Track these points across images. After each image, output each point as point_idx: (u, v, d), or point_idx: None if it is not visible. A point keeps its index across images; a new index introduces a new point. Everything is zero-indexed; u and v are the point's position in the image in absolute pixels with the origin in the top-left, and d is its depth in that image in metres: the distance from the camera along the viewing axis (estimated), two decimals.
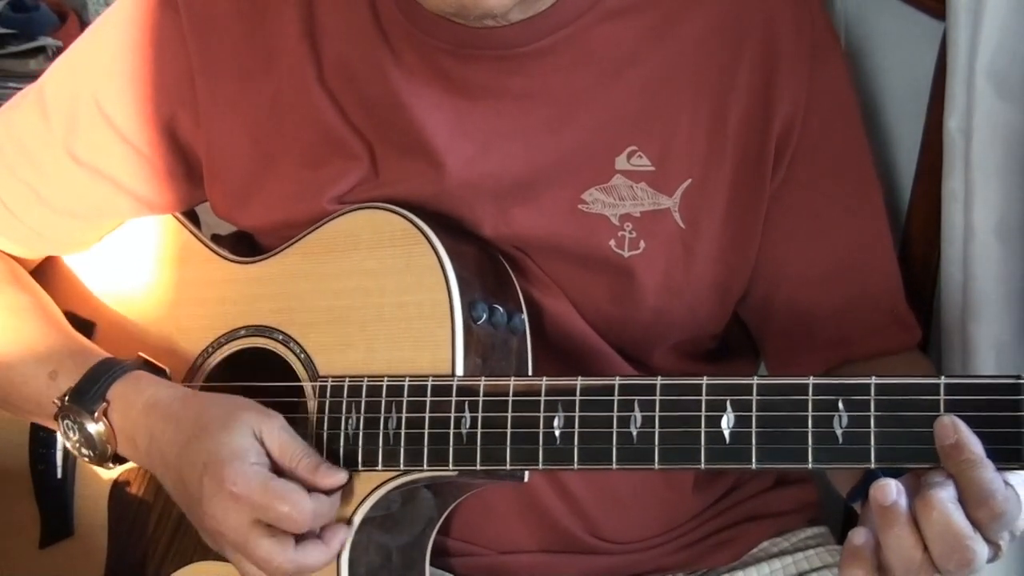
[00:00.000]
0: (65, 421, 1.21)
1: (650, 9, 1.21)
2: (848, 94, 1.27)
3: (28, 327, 1.30)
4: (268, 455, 1.12)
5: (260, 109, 1.24)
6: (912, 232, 1.39)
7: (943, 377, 0.94)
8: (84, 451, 1.21)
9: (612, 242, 1.21)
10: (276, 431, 1.13)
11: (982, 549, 0.94)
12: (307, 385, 1.19)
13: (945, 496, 0.94)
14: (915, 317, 1.31)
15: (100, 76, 1.29)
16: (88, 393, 1.20)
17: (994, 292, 1.25)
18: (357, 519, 1.15)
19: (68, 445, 1.22)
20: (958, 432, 0.94)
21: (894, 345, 1.29)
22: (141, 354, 1.26)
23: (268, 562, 1.09)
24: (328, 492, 1.12)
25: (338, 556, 1.14)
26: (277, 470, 1.12)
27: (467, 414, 1.10)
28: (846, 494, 1.16)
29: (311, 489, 1.11)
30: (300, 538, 1.11)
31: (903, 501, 0.95)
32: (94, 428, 1.19)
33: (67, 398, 1.20)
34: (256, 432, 1.12)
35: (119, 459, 1.22)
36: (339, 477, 1.13)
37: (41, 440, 1.35)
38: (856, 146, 1.28)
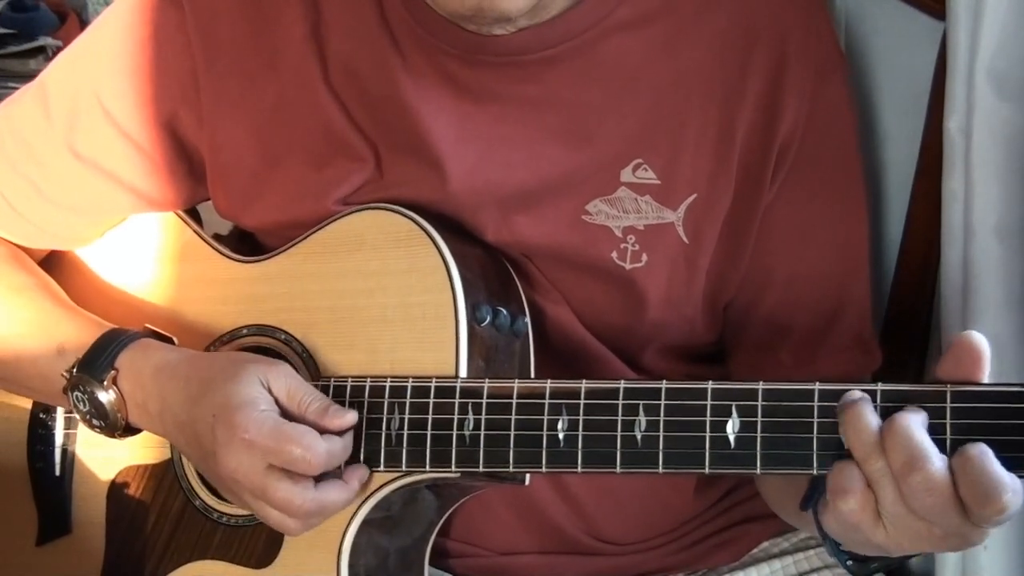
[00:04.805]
0: (75, 393, 1.20)
1: (660, 23, 1.20)
2: (848, 114, 1.26)
3: (33, 305, 1.30)
4: (277, 402, 1.12)
5: (264, 109, 1.24)
6: (912, 232, 1.39)
7: (948, 386, 0.94)
8: (95, 422, 1.21)
9: (614, 254, 1.21)
10: (283, 378, 1.13)
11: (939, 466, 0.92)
12: None
13: (911, 416, 0.94)
14: (877, 343, 1.30)
15: (102, 72, 1.28)
16: (97, 362, 1.19)
17: (994, 292, 1.25)
18: (358, 519, 1.15)
19: (79, 417, 1.22)
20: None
21: (854, 368, 1.28)
22: (148, 325, 1.25)
23: (289, 502, 1.09)
24: (340, 433, 1.12)
25: (338, 556, 1.15)
26: (287, 416, 1.12)
27: (470, 416, 1.10)
28: (798, 503, 1.07)
29: (323, 431, 1.11)
30: (319, 479, 1.11)
31: (874, 420, 0.95)
32: (105, 397, 1.19)
33: (76, 369, 1.20)
34: (263, 380, 1.12)
35: (130, 429, 1.22)
36: (349, 417, 1.12)
37: (39, 437, 1.35)
38: (850, 165, 1.27)
